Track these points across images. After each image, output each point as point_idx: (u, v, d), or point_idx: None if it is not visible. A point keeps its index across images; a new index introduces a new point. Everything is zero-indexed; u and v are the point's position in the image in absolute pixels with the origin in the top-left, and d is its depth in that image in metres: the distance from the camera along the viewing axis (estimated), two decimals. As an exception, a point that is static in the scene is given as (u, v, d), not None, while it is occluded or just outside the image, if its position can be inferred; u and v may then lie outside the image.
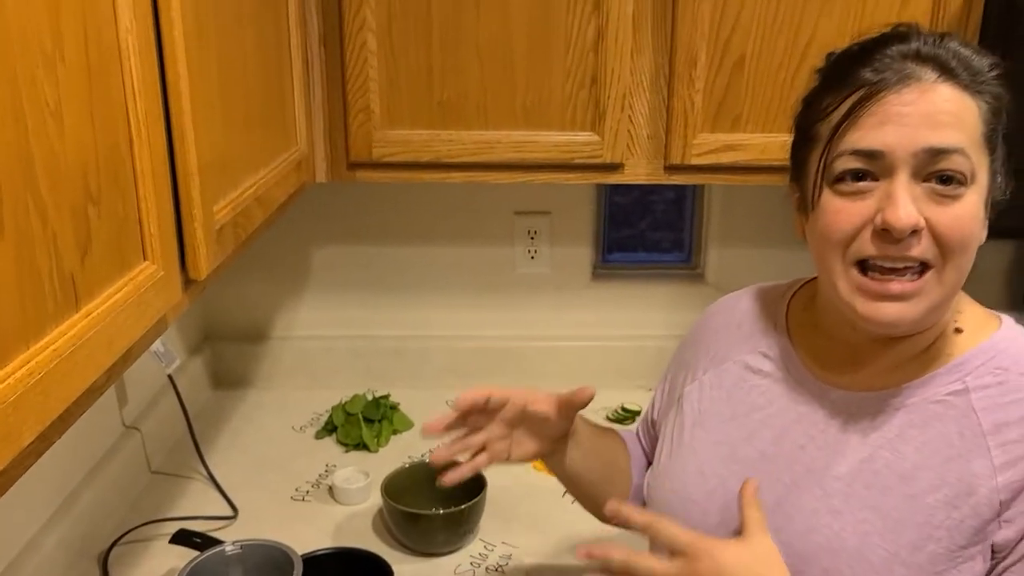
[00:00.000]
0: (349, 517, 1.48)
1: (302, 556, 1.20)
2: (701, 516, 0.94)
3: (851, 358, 0.90)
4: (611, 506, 0.88)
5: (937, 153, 0.78)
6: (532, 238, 1.88)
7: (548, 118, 1.46)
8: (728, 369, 1.01)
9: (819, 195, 0.84)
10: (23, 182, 0.59)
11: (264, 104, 1.20)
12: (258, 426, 1.79)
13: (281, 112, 1.30)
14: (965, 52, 0.82)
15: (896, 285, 0.80)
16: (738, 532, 0.86)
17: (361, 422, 1.72)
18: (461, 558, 1.38)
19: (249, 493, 1.53)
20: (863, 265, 0.82)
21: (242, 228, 1.06)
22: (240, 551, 1.22)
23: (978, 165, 0.80)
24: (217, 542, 1.26)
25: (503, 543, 1.41)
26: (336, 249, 1.89)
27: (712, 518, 0.94)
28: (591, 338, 1.94)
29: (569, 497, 1.18)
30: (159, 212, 0.81)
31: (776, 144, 1.41)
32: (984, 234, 0.84)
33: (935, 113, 0.79)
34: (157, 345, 1.54)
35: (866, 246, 0.81)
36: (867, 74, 0.81)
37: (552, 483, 1.18)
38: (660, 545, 0.86)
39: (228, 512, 1.48)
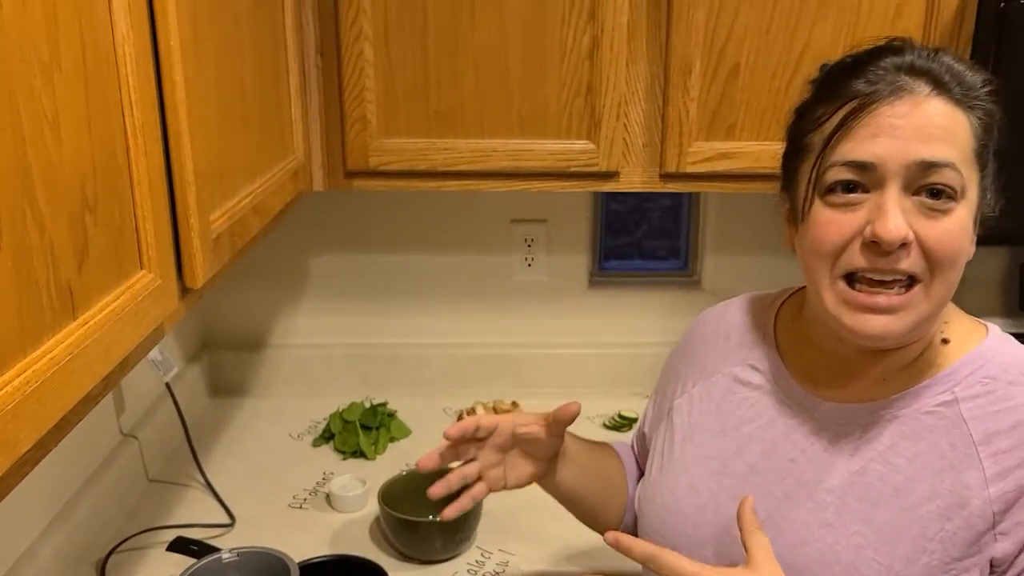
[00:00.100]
0: (346, 525, 1.48)
1: (299, 564, 1.20)
2: (692, 530, 0.94)
3: (840, 370, 0.90)
4: (611, 536, 0.85)
5: (928, 166, 0.78)
6: (529, 246, 1.89)
7: (544, 127, 1.47)
8: (717, 382, 1.00)
9: (810, 206, 0.84)
10: (20, 191, 0.60)
11: (261, 113, 1.21)
12: (255, 434, 1.79)
13: (278, 121, 1.31)
14: (958, 67, 0.82)
15: (883, 298, 0.80)
16: (728, 544, 0.86)
17: (358, 430, 1.72)
18: (458, 565, 1.38)
19: (246, 501, 1.53)
20: (851, 277, 0.82)
21: (239, 237, 1.06)
22: (237, 558, 1.22)
23: (968, 180, 0.80)
24: (214, 549, 1.26)
25: (500, 550, 1.41)
26: (333, 257, 1.90)
27: (703, 532, 0.93)
28: (588, 345, 1.94)
29: (565, 504, 1.18)
30: (156, 221, 0.82)
31: (770, 152, 1.39)
32: (972, 250, 0.84)
33: (927, 126, 0.79)
34: (155, 353, 1.54)
35: (855, 258, 0.81)
36: (860, 85, 0.81)
37: (548, 490, 1.18)
38: None
39: (225, 520, 1.48)
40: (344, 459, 1.69)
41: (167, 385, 1.59)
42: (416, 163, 1.48)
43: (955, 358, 0.86)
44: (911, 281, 0.80)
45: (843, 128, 0.81)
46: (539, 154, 1.48)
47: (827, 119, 0.83)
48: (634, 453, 1.18)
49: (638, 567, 0.89)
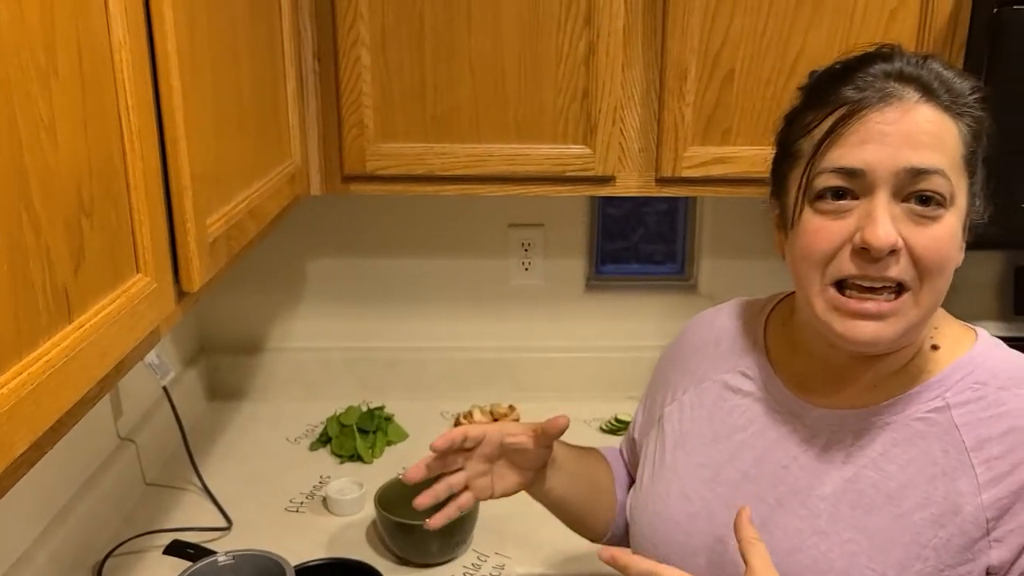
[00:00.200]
0: (343, 528, 1.49)
1: (296, 567, 1.21)
2: (685, 538, 0.94)
3: (831, 376, 0.90)
4: (606, 554, 0.84)
5: (918, 173, 0.78)
6: (526, 250, 1.89)
7: (540, 131, 1.47)
8: (708, 389, 1.00)
9: (799, 213, 0.84)
10: (17, 195, 0.60)
11: (258, 117, 1.21)
12: (252, 438, 1.79)
13: (275, 125, 1.31)
14: (947, 74, 0.82)
15: (872, 304, 0.80)
16: (721, 552, 0.85)
17: (355, 433, 1.72)
18: (454, 569, 1.38)
19: (243, 504, 1.54)
20: (841, 284, 0.82)
21: (235, 241, 1.07)
22: (233, 561, 1.22)
23: (957, 187, 0.80)
24: (211, 553, 1.27)
25: (496, 553, 1.41)
26: (330, 261, 1.90)
27: (696, 540, 0.93)
28: (585, 349, 1.95)
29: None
30: (152, 225, 0.82)
31: (765, 157, 1.38)
32: (961, 256, 0.84)
33: (916, 133, 0.79)
34: (152, 357, 1.55)
35: (845, 265, 0.81)
36: (849, 92, 0.81)
37: (544, 493, 1.18)
38: None
39: (222, 523, 1.48)
40: (341, 463, 1.70)
41: (164, 389, 1.60)
42: (413, 167, 1.48)
43: (945, 364, 0.86)
44: (900, 288, 0.80)
45: (832, 135, 0.81)
46: (535, 159, 1.48)
47: (816, 126, 0.83)
48: (623, 458, 1.18)
49: None
